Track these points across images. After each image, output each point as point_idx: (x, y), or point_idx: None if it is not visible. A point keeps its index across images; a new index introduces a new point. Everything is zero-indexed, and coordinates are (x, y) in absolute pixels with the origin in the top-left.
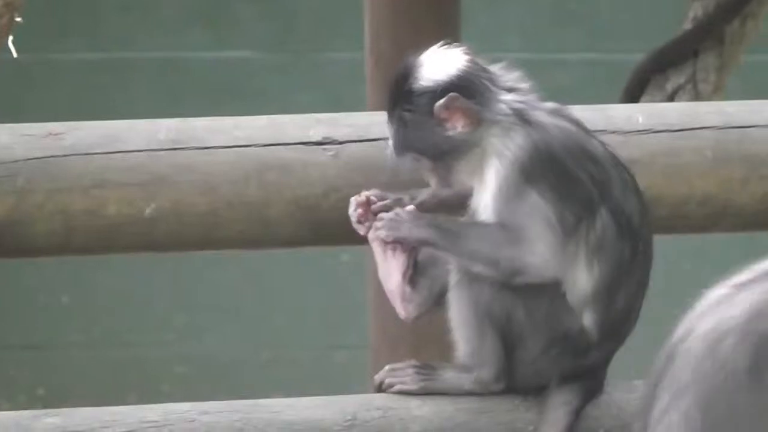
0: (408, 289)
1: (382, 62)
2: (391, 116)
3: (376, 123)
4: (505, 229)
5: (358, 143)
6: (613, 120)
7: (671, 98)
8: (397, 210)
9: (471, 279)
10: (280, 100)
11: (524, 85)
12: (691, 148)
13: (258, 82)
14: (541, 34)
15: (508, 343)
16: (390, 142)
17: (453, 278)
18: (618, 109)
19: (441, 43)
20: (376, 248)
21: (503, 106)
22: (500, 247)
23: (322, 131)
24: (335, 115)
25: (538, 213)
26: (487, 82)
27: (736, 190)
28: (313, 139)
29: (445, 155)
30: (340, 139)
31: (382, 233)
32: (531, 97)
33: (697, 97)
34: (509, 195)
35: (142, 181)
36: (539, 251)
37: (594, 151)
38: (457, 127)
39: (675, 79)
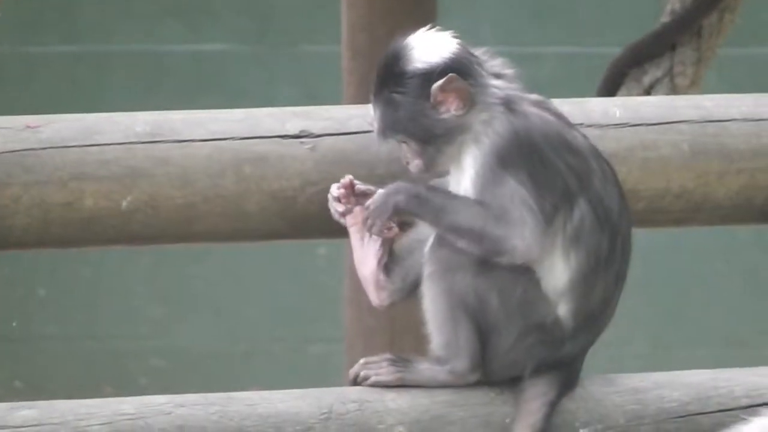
0: (382, 276)
1: (359, 56)
2: (378, 98)
3: (353, 116)
4: (491, 209)
5: (335, 136)
6: (590, 114)
7: (648, 92)
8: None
9: (445, 269)
10: (257, 94)
11: (509, 72)
12: (668, 142)
13: (235, 75)
14: (517, 27)
15: (483, 332)
16: (375, 125)
17: (426, 269)
18: (595, 102)
19: (428, 26)
20: (354, 234)
21: (494, 90)
22: (486, 225)
23: (299, 124)
24: (312, 109)
25: (518, 198)
26: (477, 67)
27: (712, 183)
28: (290, 133)
29: (435, 138)
30: (317, 133)
31: (376, 220)
32: (516, 85)
33: (674, 90)
34: (487, 180)
35: (119, 174)
36: (524, 235)
37: (574, 143)
38: (451, 109)
39: (652, 73)
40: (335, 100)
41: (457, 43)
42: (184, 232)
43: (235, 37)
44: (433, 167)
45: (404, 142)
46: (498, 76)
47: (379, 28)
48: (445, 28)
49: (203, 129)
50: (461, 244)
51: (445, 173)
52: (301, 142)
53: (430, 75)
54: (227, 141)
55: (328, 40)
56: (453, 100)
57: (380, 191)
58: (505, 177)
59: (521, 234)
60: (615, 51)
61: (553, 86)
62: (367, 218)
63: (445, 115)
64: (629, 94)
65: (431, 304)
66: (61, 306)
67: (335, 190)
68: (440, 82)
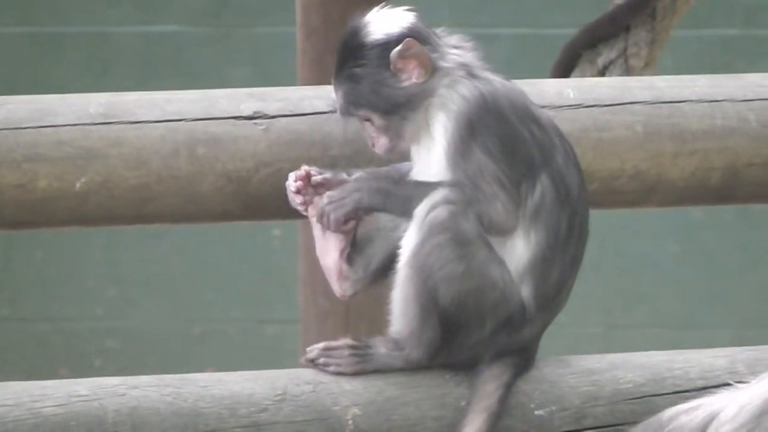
0: (345, 266)
1: (313, 36)
2: (339, 77)
3: (307, 97)
4: (459, 187)
5: (289, 117)
6: (544, 95)
7: (602, 73)
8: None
9: (421, 263)
10: (211, 75)
11: (467, 44)
12: (622, 123)
13: (190, 56)
14: (471, 8)
15: (451, 328)
16: (338, 103)
17: (403, 258)
18: (549, 83)
19: (381, 5)
20: (315, 224)
21: (454, 56)
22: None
23: (254, 106)
24: (266, 90)
25: (488, 172)
26: (434, 36)
27: (666, 164)
28: (244, 114)
29: (399, 108)
30: (272, 114)
31: (332, 216)
32: (474, 55)
33: (628, 72)
34: (458, 152)
35: (73, 155)
36: (497, 209)
37: (538, 114)
38: (412, 76)
39: (606, 54)
40: (290, 81)
41: (413, 16)
42: (138, 213)
43: (189, 18)
44: (399, 144)
45: (368, 119)
46: (456, 47)
47: (334, 8)
48: (410, 8)
49: (157, 110)
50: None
51: (409, 154)
52: (255, 123)
53: (388, 44)
54: (181, 122)
55: (282, 21)
56: (413, 66)
57: (341, 187)
58: (474, 149)
59: (495, 209)
60: (569, 32)
61: (508, 67)
62: (322, 215)
63: (406, 83)
64: (583, 76)
65: (401, 292)
66: (15, 287)
67: (292, 183)
68: (399, 48)
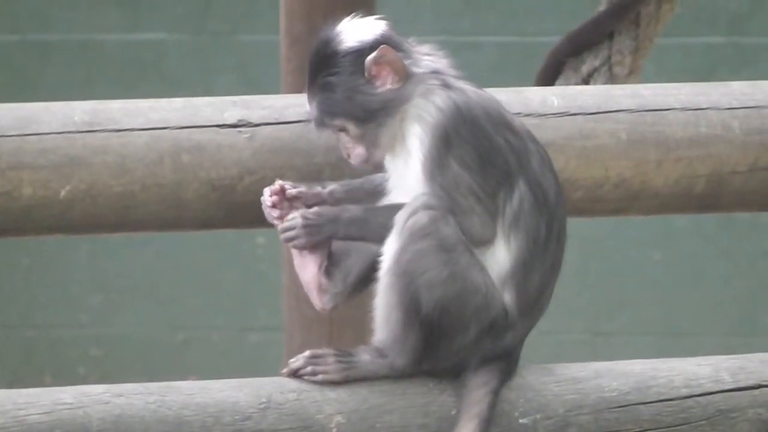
0: (324, 280)
1: (297, 44)
2: (313, 87)
3: (291, 105)
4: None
5: (273, 126)
6: (528, 103)
7: (587, 81)
8: (312, 211)
9: (404, 271)
10: (195, 83)
11: (439, 53)
12: (606, 131)
13: (174, 64)
14: (455, 16)
15: (436, 335)
16: (312, 113)
17: (384, 265)
18: (533, 91)
19: (353, 14)
20: None
21: (427, 62)
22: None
23: (238, 114)
24: (250, 98)
25: (464, 185)
26: (407, 44)
27: (650, 172)
28: (228, 122)
29: (374, 114)
30: (256, 122)
31: (302, 241)
32: (447, 62)
33: (612, 79)
34: (434, 165)
35: (58, 163)
36: (473, 222)
37: (512, 121)
38: (387, 83)
39: (590, 62)
40: (274, 89)
41: (386, 24)
42: (123, 221)
43: (173, 26)
44: (375, 153)
45: (343, 129)
46: (428, 54)
47: (318, 16)
48: (384, 17)
49: (141, 118)
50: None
51: (383, 166)
52: (239, 131)
53: (361, 52)
54: (165, 130)
55: (266, 28)
56: (387, 72)
57: (317, 211)
58: (451, 161)
59: (471, 222)
60: (553, 40)
61: (492, 75)
62: (293, 237)
63: (381, 89)
64: (567, 84)
65: (384, 299)
66: None
67: (267, 198)
68: (373, 54)
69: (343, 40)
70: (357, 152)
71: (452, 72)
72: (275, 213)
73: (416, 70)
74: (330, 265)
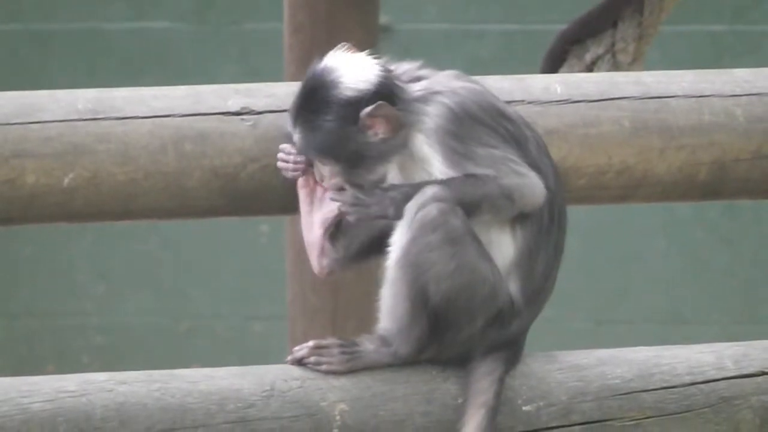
0: (327, 244)
1: (300, 33)
2: (301, 120)
3: (294, 94)
4: (486, 175)
5: (276, 113)
6: (531, 90)
7: (590, 69)
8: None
9: (413, 261)
10: (199, 71)
11: (419, 63)
12: (609, 118)
13: (177, 52)
14: (459, 4)
15: (443, 326)
16: (297, 142)
17: (392, 256)
18: (536, 79)
19: (341, 46)
20: (303, 198)
21: (417, 105)
22: (498, 184)
23: (241, 102)
24: (254, 86)
25: (498, 156)
26: (400, 84)
27: (653, 160)
28: (232, 110)
29: (363, 162)
30: (259, 110)
31: (353, 217)
32: (428, 69)
33: (615, 67)
34: (458, 157)
35: (61, 151)
36: (530, 174)
37: (505, 110)
38: (379, 133)
39: (594, 50)
40: (277, 77)
41: (379, 66)
42: (126, 209)
43: (177, 15)
44: (355, 185)
45: (327, 164)
46: (414, 79)
47: (320, 4)
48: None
49: (145, 106)
50: (486, 216)
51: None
52: (242, 119)
53: (358, 103)
54: (169, 118)
55: (269, 17)
56: (381, 124)
57: (370, 191)
58: (470, 147)
59: (529, 175)
60: (556, 28)
61: (495, 63)
62: (354, 203)
63: (373, 139)
64: (571, 71)
65: (391, 290)
66: (2, 283)
67: (284, 154)
68: (369, 109)
69: (339, 85)
70: (334, 183)
71: (434, 74)
72: (288, 171)
73: (409, 117)
74: (336, 231)
